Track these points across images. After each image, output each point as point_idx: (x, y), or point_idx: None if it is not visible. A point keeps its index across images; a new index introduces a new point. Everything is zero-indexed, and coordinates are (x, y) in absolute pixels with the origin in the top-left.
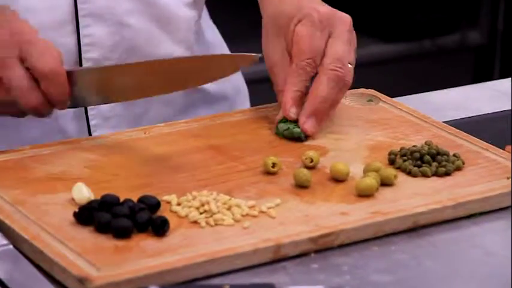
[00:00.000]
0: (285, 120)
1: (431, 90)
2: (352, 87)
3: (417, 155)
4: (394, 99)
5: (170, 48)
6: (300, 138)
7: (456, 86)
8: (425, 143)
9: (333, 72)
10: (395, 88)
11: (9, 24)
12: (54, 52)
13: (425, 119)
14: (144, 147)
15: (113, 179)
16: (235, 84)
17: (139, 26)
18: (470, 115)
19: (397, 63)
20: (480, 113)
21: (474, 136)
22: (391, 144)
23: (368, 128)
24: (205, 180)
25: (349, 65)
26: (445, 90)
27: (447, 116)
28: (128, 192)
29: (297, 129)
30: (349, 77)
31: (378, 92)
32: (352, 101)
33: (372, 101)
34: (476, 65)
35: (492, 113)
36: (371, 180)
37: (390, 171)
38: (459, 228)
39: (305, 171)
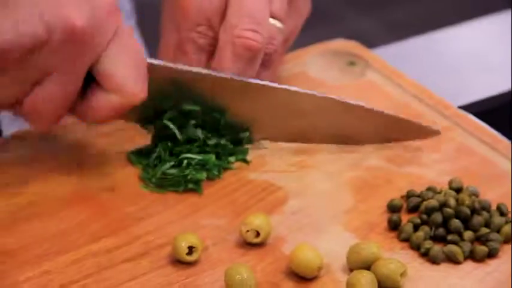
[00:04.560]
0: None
1: None
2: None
3: (438, 217)
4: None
5: None
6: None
7: None
8: (450, 184)
9: (240, 41)
10: None
11: None
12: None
13: (448, 110)
14: None
15: None
16: None
17: None
18: None
19: None
20: None
21: None
22: (390, 175)
23: None
24: None
25: (272, 21)
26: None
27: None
28: None
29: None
30: (274, 43)
31: (363, 48)
32: (321, 68)
33: (354, 64)
34: None
35: None
36: None
37: (393, 266)
38: None
39: (243, 271)
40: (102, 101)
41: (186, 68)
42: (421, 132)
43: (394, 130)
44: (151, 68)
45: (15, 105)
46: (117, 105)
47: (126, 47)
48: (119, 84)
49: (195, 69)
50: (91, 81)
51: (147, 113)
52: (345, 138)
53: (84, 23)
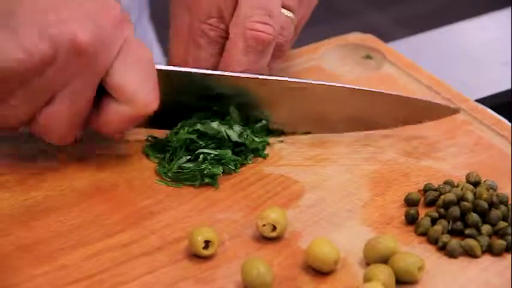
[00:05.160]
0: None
1: None
2: None
3: (455, 210)
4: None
5: None
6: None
7: None
8: (467, 177)
9: (251, 33)
10: None
11: None
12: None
13: (465, 104)
14: None
15: None
16: None
17: None
18: None
19: None
20: None
21: None
22: (407, 169)
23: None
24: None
25: (285, 12)
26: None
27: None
28: None
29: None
30: (284, 34)
31: (379, 41)
32: (337, 61)
33: (370, 57)
34: None
35: None
36: (376, 286)
37: (411, 260)
38: None
39: (260, 265)
40: (115, 112)
41: (194, 70)
42: (441, 111)
43: (410, 111)
44: (162, 74)
45: (29, 123)
46: (130, 116)
47: (135, 58)
48: (130, 95)
49: (203, 70)
50: (105, 93)
51: (162, 118)
52: (362, 123)
53: (89, 38)
